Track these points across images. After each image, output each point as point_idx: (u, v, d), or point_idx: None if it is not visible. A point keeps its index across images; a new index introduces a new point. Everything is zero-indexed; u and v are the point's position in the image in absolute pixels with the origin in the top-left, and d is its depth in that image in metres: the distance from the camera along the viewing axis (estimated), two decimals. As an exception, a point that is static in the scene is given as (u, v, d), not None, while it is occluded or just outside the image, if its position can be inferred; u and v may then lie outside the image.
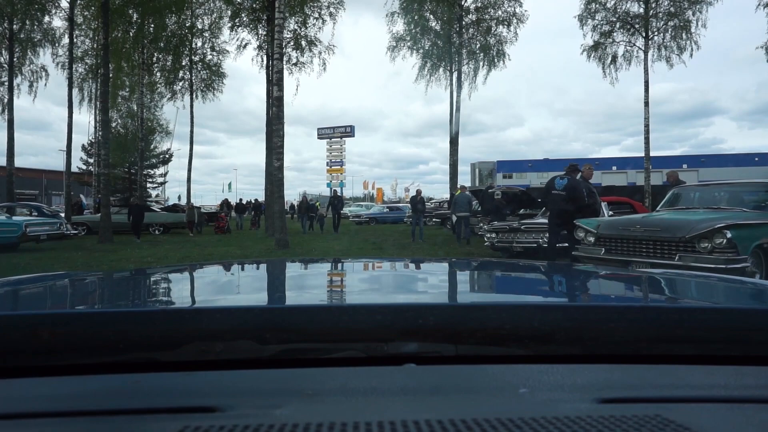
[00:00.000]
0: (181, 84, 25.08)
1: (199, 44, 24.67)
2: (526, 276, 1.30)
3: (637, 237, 5.49)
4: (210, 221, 22.90)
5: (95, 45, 20.87)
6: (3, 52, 20.47)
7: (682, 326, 0.64)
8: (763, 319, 0.67)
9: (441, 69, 22.62)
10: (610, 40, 21.19)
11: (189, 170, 25.46)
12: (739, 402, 0.50)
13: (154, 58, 23.90)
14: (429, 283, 1.22)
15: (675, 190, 7.00)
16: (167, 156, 40.37)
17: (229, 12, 21.32)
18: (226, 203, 24.19)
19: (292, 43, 21.70)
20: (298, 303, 0.83)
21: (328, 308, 0.74)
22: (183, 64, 24.70)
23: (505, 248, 9.59)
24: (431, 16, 21.89)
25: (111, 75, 24.40)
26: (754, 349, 0.63)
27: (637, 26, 20.53)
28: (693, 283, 1.12)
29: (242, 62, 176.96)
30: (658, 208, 6.74)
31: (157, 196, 42.75)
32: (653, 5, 19.94)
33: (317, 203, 22.92)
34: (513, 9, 21.19)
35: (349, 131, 55.23)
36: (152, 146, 34.42)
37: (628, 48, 21.03)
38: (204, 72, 25.39)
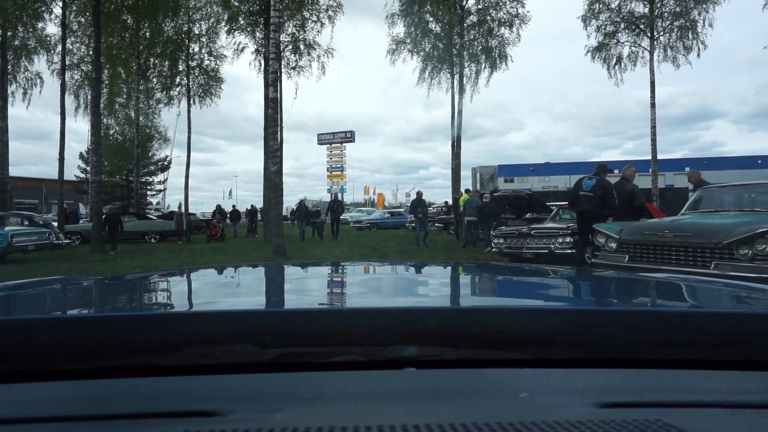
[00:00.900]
0: (178, 90, 24.77)
1: (196, 49, 24.34)
2: (526, 280, 1.30)
3: (665, 243, 4.98)
4: (198, 229, 22.14)
5: (90, 51, 20.50)
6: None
7: (682, 330, 0.64)
8: (763, 324, 0.66)
9: (442, 72, 22.21)
10: (615, 40, 20.77)
11: (186, 177, 25.02)
12: (739, 407, 0.49)
13: (151, 64, 23.53)
14: (429, 286, 1.20)
15: (700, 191, 6.49)
16: (166, 163, 40.10)
17: (226, 16, 20.95)
18: (218, 210, 23.17)
19: (290, 47, 21.35)
20: (298, 307, 0.83)
21: (328, 312, 0.74)
22: (180, 69, 24.35)
23: (514, 254, 9.07)
24: (432, 18, 21.49)
25: (107, 81, 24.18)
26: (755, 354, 0.63)
27: (642, 26, 20.10)
28: (693, 287, 1.11)
29: (242, 69, 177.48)
30: (683, 211, 6.23)
31: (157, 203, 42.40)
32: (658, 5, 19.50)
33: (319, 208, 22.30)
34: (515, 10, 20.77)
35: (349, 136, 54.95)
36: (150, 153, 33.95)
37: (634, 49, 20.61)
38: (201, 77, 25.04)
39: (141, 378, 0.56)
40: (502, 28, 21.02)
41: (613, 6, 20.21)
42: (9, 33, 19.92)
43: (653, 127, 19.87)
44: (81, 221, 23.03)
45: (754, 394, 0.54)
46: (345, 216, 37.41)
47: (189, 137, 24.64)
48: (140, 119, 25.67)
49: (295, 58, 21.61)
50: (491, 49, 21.33)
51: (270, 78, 10.78)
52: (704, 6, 19.07)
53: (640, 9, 19.97)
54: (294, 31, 21.12)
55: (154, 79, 24.54)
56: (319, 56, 21.86)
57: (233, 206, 25.11)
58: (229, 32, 21.08)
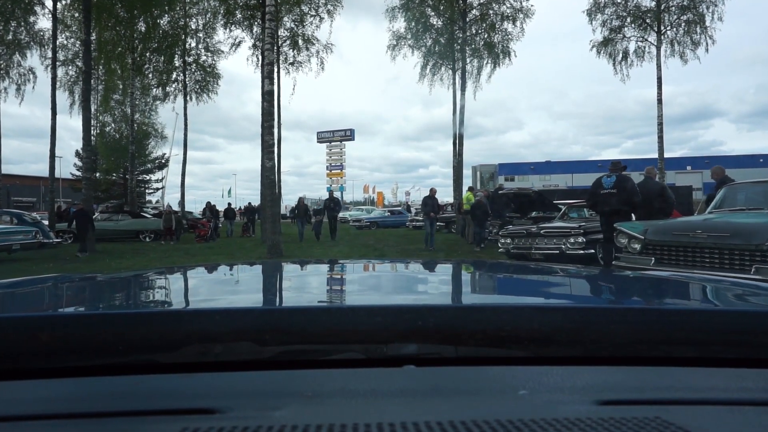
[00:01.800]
0: (174, 86, 24.22)
1: (193, 44, 23.84)
2: (525, 277, 1.29)
3: (698, 244, 4.50)
4: (193, 228, 20.78)
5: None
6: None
7: (682, 328, 0.64)
8: (763, 321, 0.66)
9: (443, 68, 21.72)
10: (621, 35, 20.29)
11: (183, 175, 24.53)
12: (739, 404, 0.50)
13: (146, 59, 22.99)
14: (429, 284, 1.20)
15: (726, 188, 6.01)
16: (163, 161, 39.46)
17: (223, 9, 20.45)
18: (209, 208, 21.88)
19: (288, 42, 20.85)
20: (298, 304, 0.83)
21: (328, 310, 0.74)
22: (176, 65, 23.83)
23: (522, 255, 8.60)
24: (433, 13, 20.99)
25: (103, 77, 23.67)
26: (754, 352, 0.63)
27: (648, 21, 19.61)
28: (693, 284, 1.10)
29: (241, 68, 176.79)
30: (710, 209, 5.75)
31: (157, 202, 41.89)
32: (665, -1, 19.02)
33: (320, 207, 21.34)
34: (519, 3, 20.26)
35: (349, 135, 54.56)
36: (147, 151, 33.16)
37: (640, 44, 20.12)
38: (198, 73, 24.49)
39: (141, 375, 0.56)
40: (505, 22, 20.53)
41: (618, 0, 19.73)
42: (1, 27, 19.41)
43: (660, 123, 19.40)
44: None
45: (754, 391, 0.54)
46: (344, 215, 36.68)
47: (185, 134, 24.14)
48: (137, 116, 25.16)
49: (293, 53, 21.15)
50: (494, 44, 20.85)
51: (266, 70, 10.29)
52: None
53: (647, 3, 19.50)
54: (292, 25, 20.66)
55: (150, 75, 23.96)
56: (317, 51, 21.42)
57: (228, 204, 24.38)
58: (225, 26, 20.60)
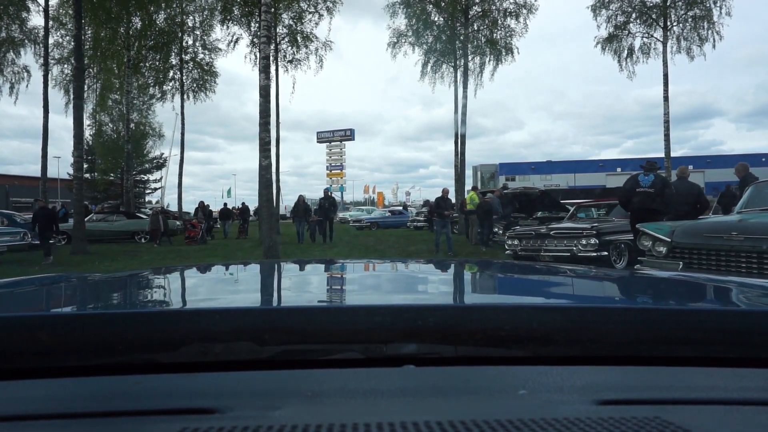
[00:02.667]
0: (171, 84, 23.78)
1: (190, 42, 23.42)
2: (525, 277, 1.29)
3: (733, 248, 4.08)
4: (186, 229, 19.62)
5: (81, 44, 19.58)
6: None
7: (681, 328, 0.64)
8: (762, 321, 0.66)
9: (445, 65, 21.32)
10: (626, 31, 19.88)
11: (180, 175, 24.11)
12: (738, 404, 0.50)
13: (143, 57, 22.57)
14: (428, 284, 1.20)
15: (754, 186, 5.59)
16: (161, 161, 38.96)
17: (220, 6, 20.04)
18: (201, 207, 20.54)
19: (287, 39, 20.44)
20: (297, 304, 0.83)
21: (327, 309, 0.74)
22: (173, 63, 23.40)
23: (530, 257, 8.19)
24: (434, 9, 20.59)
25: (99, 76, 23.25)
26: (753, 351, 0.63)
27: (654, 16, 19.20)
28: (692, 284, 1.10)
29: (241, 68, 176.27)
30: (738, 209, 5.33)
31: (157, 202, 41.43)
32: (672, -6, 18.59)
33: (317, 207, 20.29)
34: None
35: (349, 134, 54.13)
36: (145, 151, 32.49)
37: (646, 40, 19.70)
38: (196, 71, 24.04)
39: (140, 375, 0.55)
40: (508, 18, 20.13)
41: (624, -5, 19.32)
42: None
43: (666, 121, 19.02)
44: (70, 221, 22.09)
45: (753, 391, 0.54)
46: (345, 215, 35.98)
47: (182, 133, 23.73)
48: (134, 115, 24.71)
49: (292, 51, 20.72)
50: (496, 41, 20.45)
51: (261, 64, 9.88)
52: (721, -6, 18.17)
53: (653, -2, 19.06)
54: (291, 22, 20.24)
55: (146, 73, 23.53)
56: (316, 49, 21.02)
57: (224, 204, 23.80)
58: (223, 23, 20.22)
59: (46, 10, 17.90)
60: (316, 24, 20.56)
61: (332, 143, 55.93)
